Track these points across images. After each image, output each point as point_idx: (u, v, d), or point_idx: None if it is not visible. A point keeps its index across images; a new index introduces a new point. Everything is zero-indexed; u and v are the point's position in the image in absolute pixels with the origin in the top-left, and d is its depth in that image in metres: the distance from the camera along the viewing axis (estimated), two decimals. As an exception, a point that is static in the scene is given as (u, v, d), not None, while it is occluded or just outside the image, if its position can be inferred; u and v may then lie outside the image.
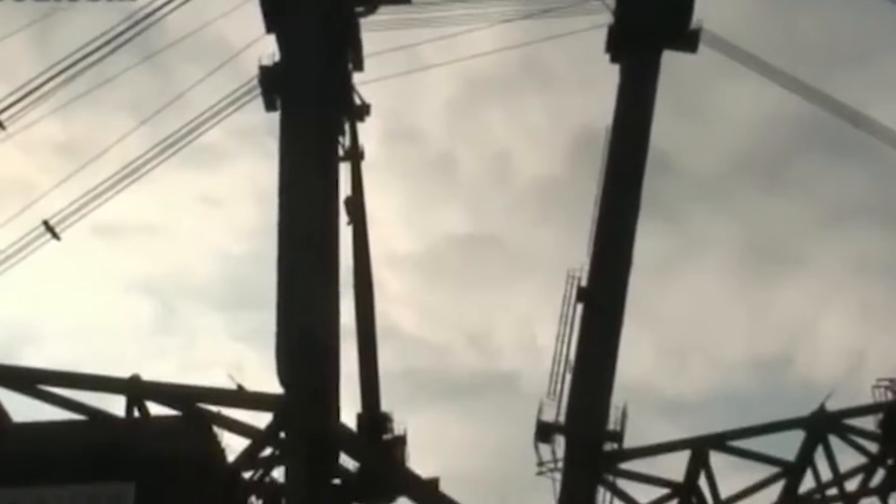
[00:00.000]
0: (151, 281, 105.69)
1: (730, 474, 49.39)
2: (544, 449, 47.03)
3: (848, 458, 48.00)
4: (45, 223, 51.21)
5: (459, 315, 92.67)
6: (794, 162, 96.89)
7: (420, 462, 50.04)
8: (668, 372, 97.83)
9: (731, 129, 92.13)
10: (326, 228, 50.36)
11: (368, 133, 54.03)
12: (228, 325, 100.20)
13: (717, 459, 48.19)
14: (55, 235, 51.39)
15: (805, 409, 48.28)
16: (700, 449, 48.00)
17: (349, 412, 50.56)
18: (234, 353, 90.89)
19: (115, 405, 48.95)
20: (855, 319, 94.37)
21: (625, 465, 47.84)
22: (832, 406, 48.25)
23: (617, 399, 47.10)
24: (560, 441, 47.05)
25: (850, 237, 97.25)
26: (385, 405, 51.10)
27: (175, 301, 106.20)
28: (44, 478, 45.68)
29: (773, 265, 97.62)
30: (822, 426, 47.84)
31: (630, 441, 47.90)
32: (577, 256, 48.05)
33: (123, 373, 49.41)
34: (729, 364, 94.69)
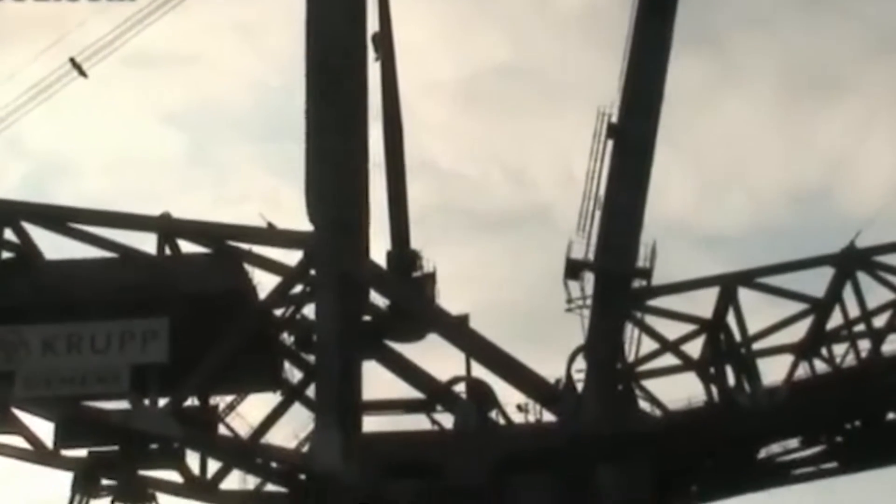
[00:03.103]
0: (184, 113, 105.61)
1: (758, 311, 49.59)
2: (573, 286, 47.19)
3: (876, 295, 48.01)
4: (72, 60, 50.81)
5: (495, 147, 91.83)
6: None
7: (451, 298, 50.42)
8: (705, 205, 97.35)
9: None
10: (353, 62, 49.77)
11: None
12: (264, 158, 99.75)
13: (745, 296, 48.26)
14: (82, 73, 51.05)
15: (845, 243, 48.01)
16: (729, 285, 48.03)
17: (379, 250, 50.81)
18: (269, 186, 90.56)
19: (147, 243, 49.37)
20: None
21: (653, 302, 48.01)
22: (866, 241, 48.11)
23: (651, 234, 47.00)
24: (589, 278, 47.13)
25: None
26: (418, 240, 51.13)
27: (208, 134, 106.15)
28: (77, 314, 46.39)
29: (815, 94, 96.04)
30: (851, 263, 47.72)
31: (665, 275, 48.05)
32: (615, 88, 47.35)
33: (156, 208, 49.88)
34: (767, 197, 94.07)
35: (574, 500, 43.57)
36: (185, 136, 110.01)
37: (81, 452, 47.13)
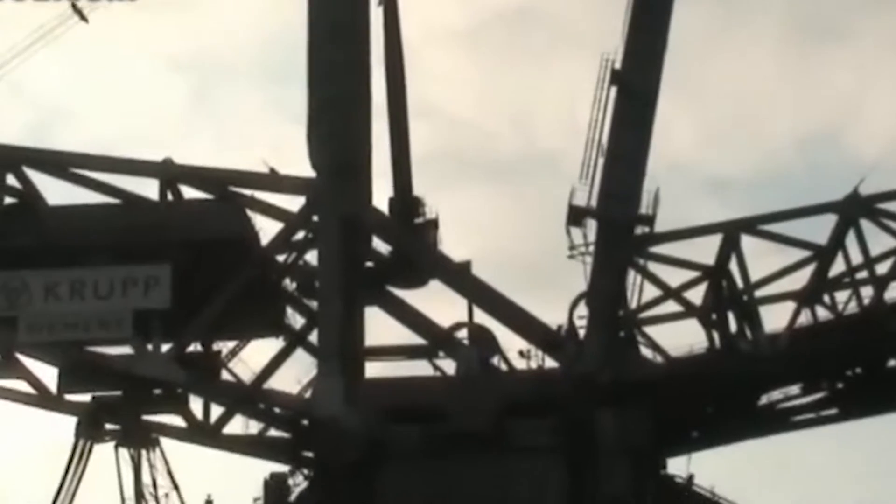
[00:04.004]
0: (187, 58, 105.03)
1: (761, 258, 49.54)
2: (576, 233, 47.13)
3: (879, 242, 47.93)
4: (73, 4, 50.61)
5: (500, 94, 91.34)
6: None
7: (455, 244, 50.42)
8: (710, 151, 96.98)
9: None
10: (356, 6, 49.55)
11: None
12: (267, 104, 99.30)
13: (748, 243, 48.20)
14: (83, 17, 50.85)
15: (851, 189, 47.88)
16: (731, 232, 47.93)
17: (382, 196, 50.76)
18: (273, 132, 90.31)
19: (149, 189, 49.32)
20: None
21: (655, 249, 47.97)
22: (870, 188, 47.96)
23: (655, 180, 46.85)
24: (592, 225, 47.09)
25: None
26: (422, 186, 51.06)
27: (211, 79, 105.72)
28: (80, 260, 46.48)
29: (822, 38, 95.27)
30: (854, 210, 47.57)
31: (670, 221, 47.96)
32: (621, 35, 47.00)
33: (159, 154, 49.79)
34: (773, 143, 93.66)
35: (575, 446, 43.72)
36: (188, 81, 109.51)
37: (85, 397, 47.47)
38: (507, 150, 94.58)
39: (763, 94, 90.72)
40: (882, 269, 47.56)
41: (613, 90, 46.35)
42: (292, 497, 46.04)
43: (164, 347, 46.87)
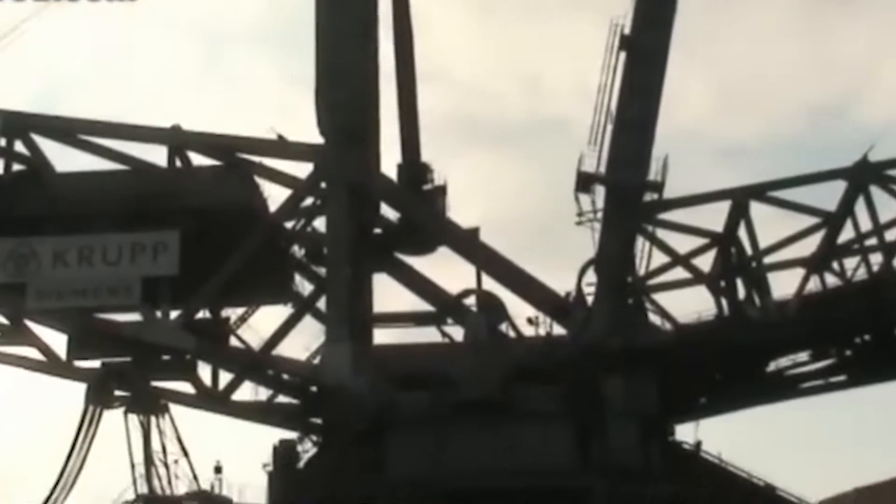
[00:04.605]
0: (196, 21, 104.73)
1: (770, 224, 49.46)
2: (584, 199, 47.00)
3: (889, 209, 47.77)
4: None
5: (511, 57, 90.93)
6: None
7: (463, 210, 50.33)
8: (721, 116, 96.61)
9: None
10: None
11: None
12: (277, 70, 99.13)
13: (757, 209, 48.10)
14: (90, -16, 50.66)
15: (860, 156, 47.71)
16: (740, 199, 47.83)
17: (390, 163, 50.68)
18: (284, 98, 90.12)
19: (157, 156, 49.27)
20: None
21: (664, 216, 47.87)
22: (880, 154, 47.78)
23: (665, 145, 46.65)
24: (600, 191, 46.95)
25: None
26: (431, 152, 50.98)
27: (221, 44, 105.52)
28: (88, 227, 46.49)
29: (837, 4, 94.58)
30: (864, 176, 47.43)
31: (680, 187, 47.78)
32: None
33: (167, 121, 49.70)
34: (784, 109, 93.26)
35: (583, 413, 43.76)
36: (198, 45, 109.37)
37: (95, 364, 47.51)
38: (517, 115, 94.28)
39: (774, 62, 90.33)
40: (891, 235, 47.50)
41: (623, 56, 46.10)
42: (301, 463, 46.14)
43: (173, 314, 46.90)
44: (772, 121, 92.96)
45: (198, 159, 49.35)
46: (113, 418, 48.28)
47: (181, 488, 54.79)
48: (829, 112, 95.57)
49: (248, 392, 47.53)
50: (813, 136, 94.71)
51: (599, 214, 46.68)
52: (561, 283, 47.68)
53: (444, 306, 48.97)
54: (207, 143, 49.21)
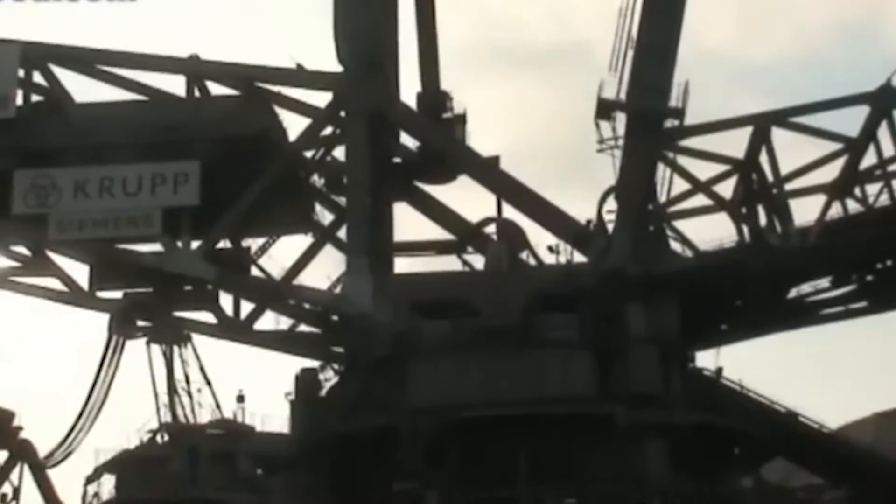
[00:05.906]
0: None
1: (792, 151, 49.14)
2: (605, 126, 46.76)
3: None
4: None
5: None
6: None
7: (484, 138, 50.05)
8: (745, 37, 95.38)
9: None
10: None
11: None
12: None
13: (779, 135, 47.74)
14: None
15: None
16: (762, 125, 47.47)
17: (410, 92, 50.44)
18: (300, 27, 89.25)
19: (176, 86, 49.10)
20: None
21: (685, 142, 47.59)
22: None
23: (688, 68, 46.25)
24: (621, 118, 46.68)
25: None
26: (453, 78, 50.66)
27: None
28: (108, 157, 46.48)
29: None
30: (887, 101, 46.98)
31: (703, 110, 47.36)
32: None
33: (185, 50, 49.47)
34: (811, 28, 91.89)
35: (604, 340, 43.80)
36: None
37: (117, 294, 47.71)
38: (541, 40, 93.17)
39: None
40: (914, 160, 47.11)
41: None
42: (323, 392, 46.38)
43: (194, 245, 46.97)
44: (797, 40, 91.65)
45: (216, 89, 49.17)
46: (136, 348, 48.74)
47: (204, 417, 55.43)
48: (855, 32, 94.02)
49: (269, 321, 47.72)
50: (840, 56, 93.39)
51: (620, 142, 46.50)
52: (582, 210, 47.67)
53: (465, 235, 48.98)
54: (226, 72, 48.98)
